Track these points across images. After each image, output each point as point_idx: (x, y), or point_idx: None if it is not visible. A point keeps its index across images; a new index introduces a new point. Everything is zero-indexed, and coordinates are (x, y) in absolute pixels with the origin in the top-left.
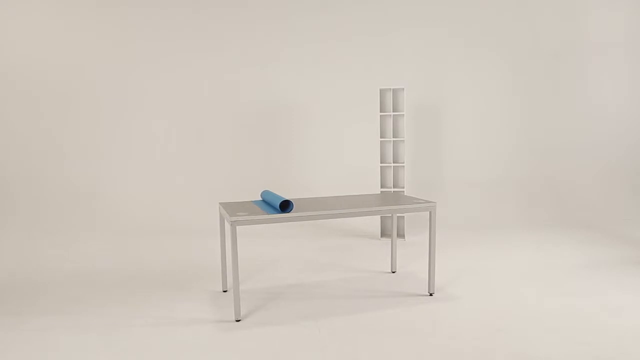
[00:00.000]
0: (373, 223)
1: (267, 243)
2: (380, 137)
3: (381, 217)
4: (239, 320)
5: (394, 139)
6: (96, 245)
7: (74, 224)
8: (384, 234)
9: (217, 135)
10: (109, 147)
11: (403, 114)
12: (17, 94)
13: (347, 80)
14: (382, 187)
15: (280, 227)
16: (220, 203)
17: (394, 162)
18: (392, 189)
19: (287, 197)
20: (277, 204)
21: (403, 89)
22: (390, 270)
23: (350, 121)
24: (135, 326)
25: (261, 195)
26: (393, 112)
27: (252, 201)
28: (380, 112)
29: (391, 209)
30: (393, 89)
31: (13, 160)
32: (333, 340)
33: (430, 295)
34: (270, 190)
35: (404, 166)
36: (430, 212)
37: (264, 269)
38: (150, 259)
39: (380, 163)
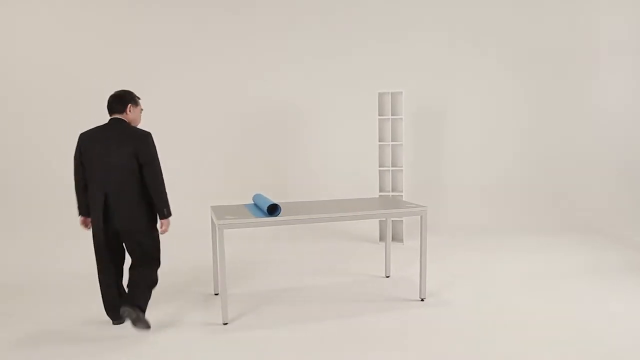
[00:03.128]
0: (374, 227)
1: (266, 246)
2: (379, 141)
3: (379, 221)
4: (226, 324)
5: (393, 143)
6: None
7: (73, 225)
8: (382, 238)
9: (217, 139)
10: None
11: (401, 118)
12: (18, 95)
13: (345, 84)
14: (380, 191)
15: (280, 230)
16: (211, 206)
17: (392, 166)
18: (391, 193)
19: (285, 201)
20: (266, 208)
21: (401, 92)
22: (384, 275)
23: (350, 125)
24: (125, 328)
25: (253, 199)
26: (392, 115)
27: (244, 204)
28: (379, 116)
29: (378, 213)
30: (391, 93)
31: (13, 160)
32: (317, 346)
33: (422, 300)
34: (262, 194)
35: (402, 170)
36: (421, 217)
37: (260, 272)
38: None
39: (379, 167)
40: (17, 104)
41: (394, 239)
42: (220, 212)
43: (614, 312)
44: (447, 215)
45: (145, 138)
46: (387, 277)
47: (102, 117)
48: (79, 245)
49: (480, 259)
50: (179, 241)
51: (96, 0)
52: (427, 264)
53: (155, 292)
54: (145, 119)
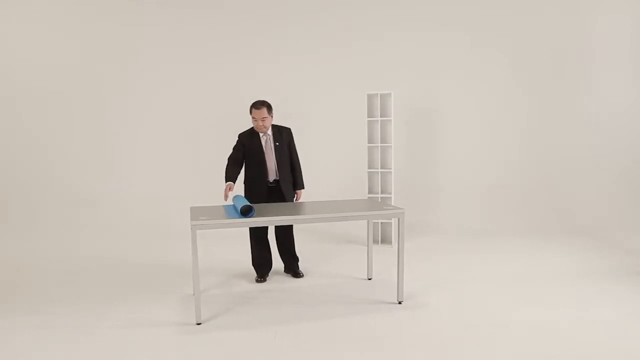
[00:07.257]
0: (363, 229)
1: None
2: (368, 143)
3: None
4: (199, 324)
5: (382, 145)
6: (90, 246)
7: (67, 225)
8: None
9: (210, 139)
10: (104, 150)
11: (390, 120)
12: (18, 95)
13: (334, 85)
14: (369, 193)
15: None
16: (190, 207)
17: (381, 168)
18: (380, 195)
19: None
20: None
21: (390, 93)
22: (366, 277)
23: (339, 126)
24: (100, 327)
25: (232, 200)
26: (380, 117)
27: (223, 205)
28: (368, 117)
29: (355, 215)
30: (380, 94)
31: (11, 160)
32: (288, 347)
33: (399, 303)
34: (241, 195)
35: (391, 172)
36: (398, 219)
37: (242, 272)
38: (138, 261)
39: (368, 169)
40: (17, 104)
41: (383, 241)
42: (197, 213)
43: (594, 320)
44: (439, 217)
45: None
46: (369, 279)
47: (102, 117)
48: (79, 243)
49: (467, 261)
50: (164, 241)
51: (95, 1)
52: (414, 267)
53: (133, 291)
54: (138, 119)
